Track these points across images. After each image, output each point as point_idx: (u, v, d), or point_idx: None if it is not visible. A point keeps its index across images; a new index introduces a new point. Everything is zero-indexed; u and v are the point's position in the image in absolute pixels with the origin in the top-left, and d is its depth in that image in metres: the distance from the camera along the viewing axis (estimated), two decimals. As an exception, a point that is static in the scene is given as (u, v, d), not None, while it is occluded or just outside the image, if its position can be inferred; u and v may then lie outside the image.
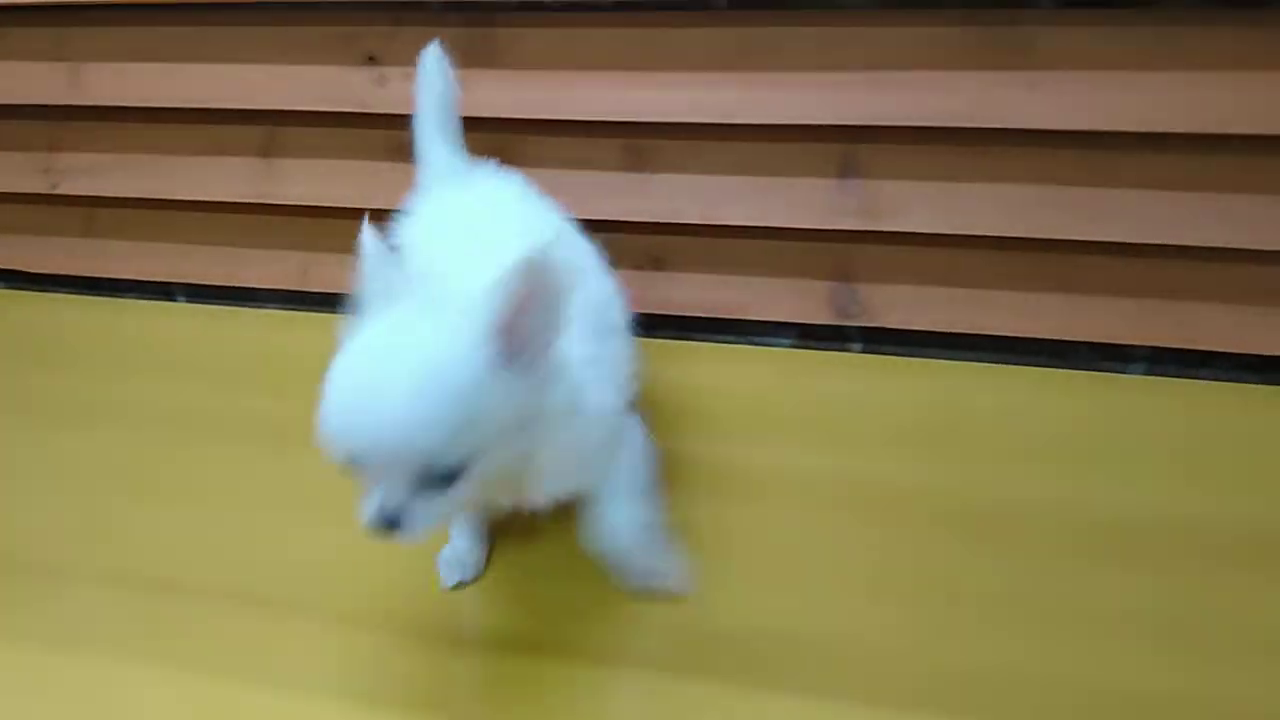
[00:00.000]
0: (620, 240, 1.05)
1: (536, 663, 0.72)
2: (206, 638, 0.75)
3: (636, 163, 1.02)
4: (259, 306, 1.20)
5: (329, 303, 1.17)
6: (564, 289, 0.57)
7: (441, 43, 0.84)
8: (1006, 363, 0.99)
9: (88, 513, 0.90)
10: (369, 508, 0.58)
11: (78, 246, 1.25)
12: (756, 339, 1.07)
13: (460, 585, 0.77)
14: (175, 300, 1.24)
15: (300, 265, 1.17)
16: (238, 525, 0.86)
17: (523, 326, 0.57)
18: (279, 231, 1.16)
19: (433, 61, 0.85)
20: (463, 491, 0.59)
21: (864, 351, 1.04)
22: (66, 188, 1.20)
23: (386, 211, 0.86)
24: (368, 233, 0.63)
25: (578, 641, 0.74)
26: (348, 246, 1.15)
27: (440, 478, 0.57)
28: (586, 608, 0.76)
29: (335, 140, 1.09)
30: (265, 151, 1.12)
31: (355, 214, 1.10)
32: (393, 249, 0.63)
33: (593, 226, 1.03)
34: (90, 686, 0.73)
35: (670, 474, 0.88)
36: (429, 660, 0.72)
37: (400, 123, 1.05)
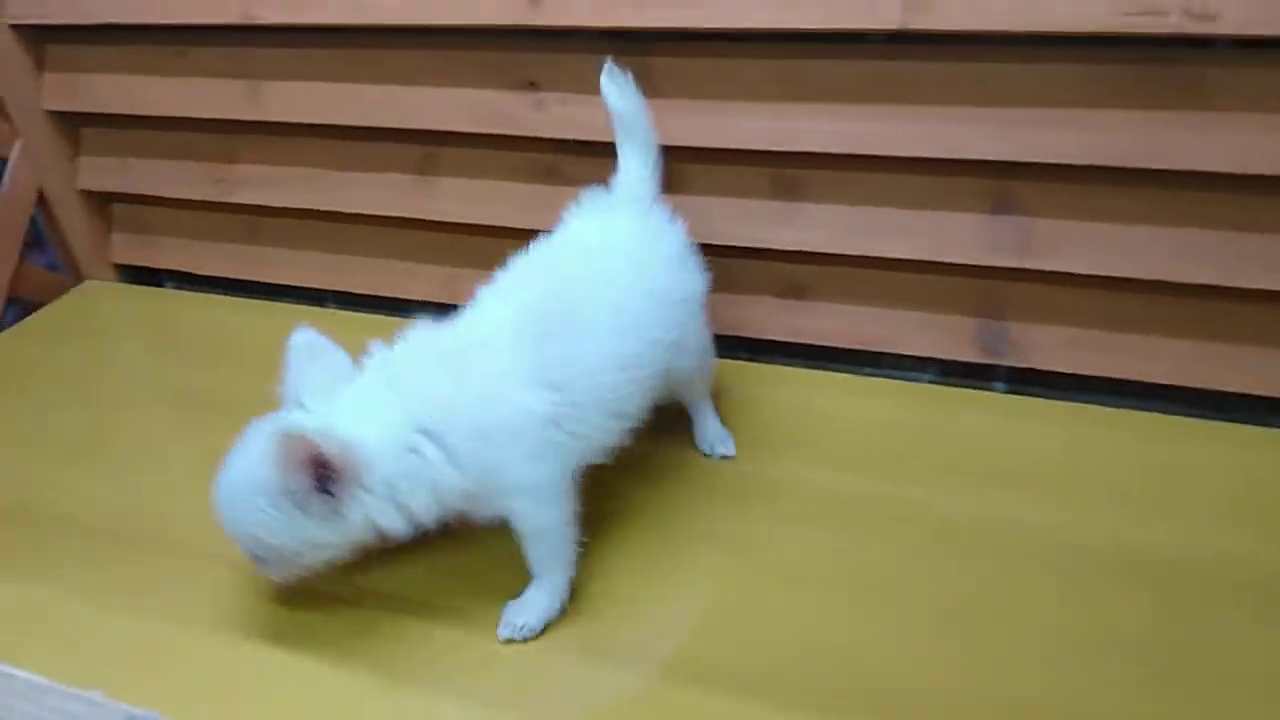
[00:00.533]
0: (764, 267, 1.07)
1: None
2: (335, 626, 0.79)
3: (786, 191, 1.02)
4: (405, 315, 1.25)
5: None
6: (325, 457, 0.68)
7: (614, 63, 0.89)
8: (1161, 411, 0.96)
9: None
10: None
11: (242, 252, 1.33)
12: (896, 373, 1.06)
13: None
14: (325, 306, 1.30)
15: (448, 279, 1.21)
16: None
17: (300, 482, 0.69)
18: (430, 246, 1.21)
19: (605, 82, 0.89)
20: (294, 569, 0.75)
21: (1008, 392, 1.02)
22: (235, 197, 1.27)
23: (533, 231, 0.89)
24: (298, 333, 0.77)
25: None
26: (495, 263, 1.19)
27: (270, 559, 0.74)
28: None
29: (491, 161, 1.13)
30: (423, 169, 1.17)
31: (505, 232, 1.15)
32: (319, 347, 0.77)
33: (738, 253, 1.05)
34: (218, 664, 0.78)
35: (798, 504, 0.88)
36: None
37: (554, 146, 1.09)
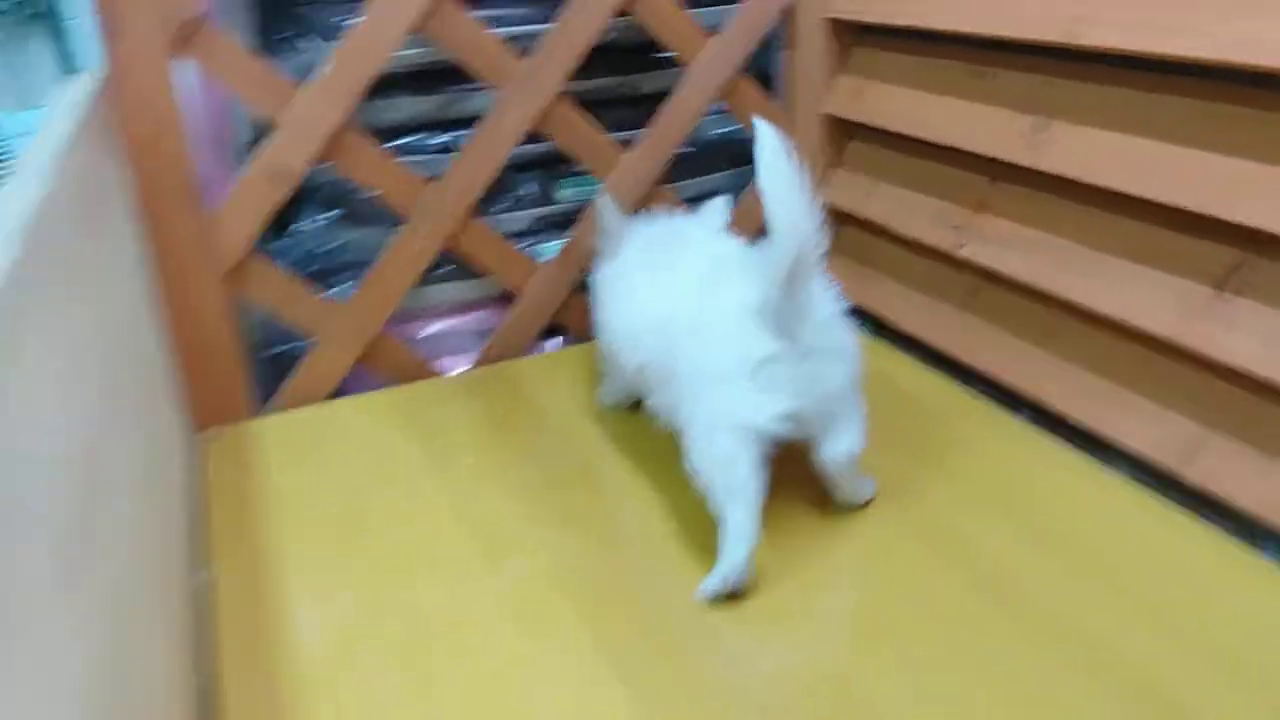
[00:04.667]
0: None
1: None
2: None
3: None
4: (1114, 468, 0.90)
5: (1205, 505, 0.82)
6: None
7: None
8: None
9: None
10: None
11: (943, 313, 1.10)
12: None
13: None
14: (1016, 416, 1.01)
15: (1190, 443, 0.83)
16: None
17: None
18: (1181, 386, 0.84)
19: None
20: None
21: None
22: (967, 251, 1.04)
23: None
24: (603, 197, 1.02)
25: None
26: (1267, 444, 0.78)
27: None
28: None
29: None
30: (1221, 283, 0.80)
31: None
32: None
33: None
34: None
35: None
36: None
37: None
